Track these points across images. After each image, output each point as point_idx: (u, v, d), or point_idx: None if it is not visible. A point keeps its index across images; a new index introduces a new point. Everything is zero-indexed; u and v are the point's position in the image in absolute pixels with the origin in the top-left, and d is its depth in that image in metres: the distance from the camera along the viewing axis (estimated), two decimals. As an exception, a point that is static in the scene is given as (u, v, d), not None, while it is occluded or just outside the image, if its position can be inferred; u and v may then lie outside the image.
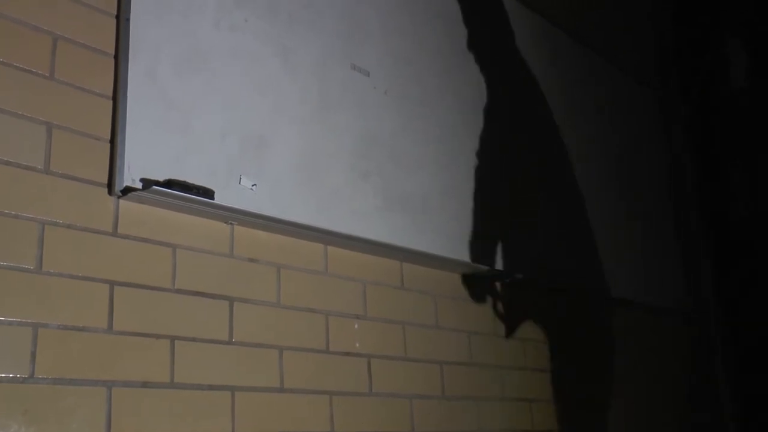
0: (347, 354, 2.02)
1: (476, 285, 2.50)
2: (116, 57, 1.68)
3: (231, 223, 1.83)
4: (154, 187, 1.59)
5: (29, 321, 1.43)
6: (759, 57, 3.94)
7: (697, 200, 4.04)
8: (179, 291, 1.69)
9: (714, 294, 3.91)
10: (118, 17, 1.71)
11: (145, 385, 1.57)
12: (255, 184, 1.82)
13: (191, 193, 1.66)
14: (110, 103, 1.66)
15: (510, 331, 2.59)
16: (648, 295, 3.33)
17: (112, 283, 1.57)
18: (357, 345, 2.05)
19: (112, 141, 1.63)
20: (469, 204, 2.46)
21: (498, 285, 2.60)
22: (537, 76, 3.01)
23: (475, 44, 2.71)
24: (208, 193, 1.70)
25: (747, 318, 3.79)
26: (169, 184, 1.63)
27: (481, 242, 2.45)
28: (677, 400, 3.44)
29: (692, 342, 3.72)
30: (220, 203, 1.72)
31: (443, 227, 2.33)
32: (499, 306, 2.57)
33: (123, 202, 1.63)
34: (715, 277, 3.93)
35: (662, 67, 4.18)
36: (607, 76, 3.56)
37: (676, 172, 3.96)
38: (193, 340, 1.68)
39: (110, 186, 1.61)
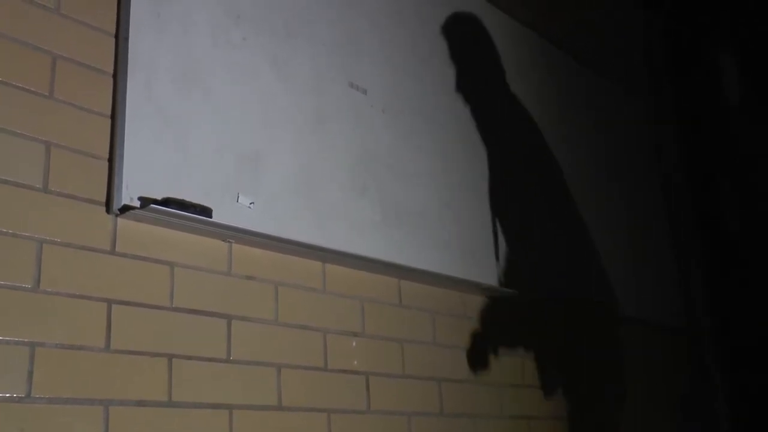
0: (345, 372, 2.02)
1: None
2: (115, 76, 1.69)
3: (229, 241, 1.83)
4: (152, 205, 1.60)
5: (26, 340, 1.43)
6: (751, 68, 3.96)
7: (689, 212, 4.04)
8: (177, 309, 1.69)
9: (707, 306, 3.91)
10: (116, 36, 1.72)
11: (142, 403, 1.57)
12: (253, 202, 1.83)
13: (189, 212, 1.66)
14: (108, 121, 1.66)
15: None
16: (642, 309, 3.33)
17: (110, 302, 1.57)
18: (355, 362, 2.05)
19: (111, 159, 1.64)
20: (467, 220, 2.47)
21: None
22: (531, 91, 3.02)
23: (470, 61, 2.73)
24: (206, 212, 1.70)
25: (740, 330, 3.79)
26: (167, 202, 1.63)
27: (482, 259, 2.46)
28: (672, 413, 3.43)
29: (687, 355, 3.72)
30: (218, 221, 1.72)
31: (441, 243, 2.33)
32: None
33: (121, 221, 1.64)
34: (708, 290, 3.93)
35: (655, 80, 4.20)
36: (600, 89, 3.58)
37: (669, 185, 3.96)
38: (191, 358, 1.68)
39: (108, 204, 1.61)
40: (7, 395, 1.38)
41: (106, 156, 1.64)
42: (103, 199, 1.61)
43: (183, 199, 1.66)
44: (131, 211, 1.60)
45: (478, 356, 2.44)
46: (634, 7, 4.24)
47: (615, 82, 3.70)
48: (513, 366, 2.59)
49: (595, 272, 3.00)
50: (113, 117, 1.66)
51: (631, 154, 3.72)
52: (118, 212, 1.61)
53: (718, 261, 3.93)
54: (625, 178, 3.56)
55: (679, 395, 3.55)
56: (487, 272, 2.48)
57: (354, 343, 2.06)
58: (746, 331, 3.75)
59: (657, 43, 4.29)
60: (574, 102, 3.33)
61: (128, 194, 1.60)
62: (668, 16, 4.31)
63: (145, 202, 1.61)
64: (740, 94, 3.96)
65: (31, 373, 1.42)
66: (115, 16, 1.73)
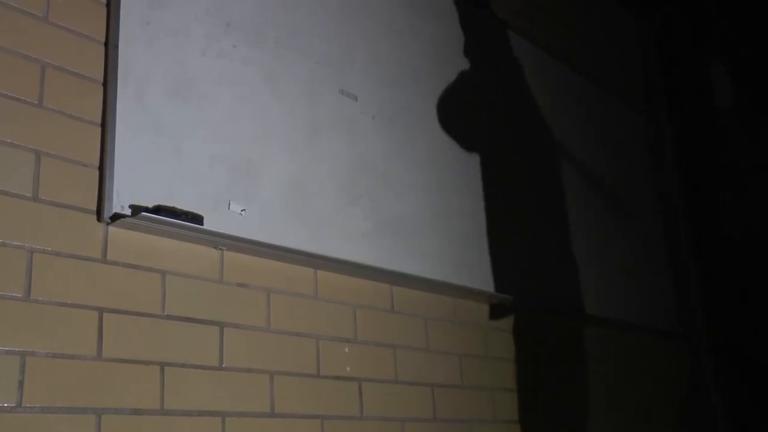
0: (338, 378, 2.01)
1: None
2: (105, 84, 1.69)
3: (220, 249, 1.83)
4: (143, 213, 1.59)
5: (17, 349, 1.42)
6: (744, 77, 3.98)
7: (687, 219, 4.06)
8: (169, 317, 1.68)
9: (704, 314, 3.92)
10: (106, 44, 1.72)
11: (135, 412, 1.56)
12: (244, 209, 1.83)
13: (180, 219, 1.66)
14: (99, 129, 1.66)
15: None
16: (639, 315, 3.34)
17: (101, 310, 1.57)
18: (348, 369, 2.05)
19: (101, 167, 1.63)
20: (459, 227, 2.47)
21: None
22: (527, 100, 3.03)
23: (468, 69, 2.73)
24: (197, 219, 1.70)
25: (737, 337, 3.80)
26: (158, 210, 1.63)
27: (474, 265, 2.46)
28: (670, 419, 3.43)
29: (684, 362, 3.73)
30: (209, 229, 1.72)
31: (433, 250, 2.33)
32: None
33: (112, 229, 1.63)
34: (705, 297, 3.94)
35: (650, 89, 4.22)
36: (595, 98, 3.59)
37: (666, 193, 3.98)
38: (183, 366, 1.67)
39: (99, 212, 1.61)
40: (-2, 405, 1.38)
41: (97, 164, 1.64)
42: (94, 207, 1.61)
43: (174, 207, 1.66)
44: (122, 219, 1.60)
45: None
46: (628, 17, 4.26)
47: (610, 91, 3.72)
48: (506, 370, 2.59)
49: (580, 280, 3.01)
50: (103, 125, 1.66)
51: (628, 162, 3.73)
52: (109, 220, 1.60)
53: (714, 266, 3.94)
54: (622, 186, 3.57)
55: (678, 400, 3.56)
56: (479, 277, 2.48)
57: (347, 350, 2.06)
58: (742, 336, 3.77)
59: (651, 52, 4.31)
60: (570, 110, 3.34)
61: (119, 202, 1.60)
62: (661, 25, 4.33)
63: (136, 209, 1.60)
64: (733, 101, 3.98)
65: (21, 383, 1.41)
66: (105, 24, 1.73)
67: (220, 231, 1.74)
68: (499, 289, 2.53)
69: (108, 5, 1.75)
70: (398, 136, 2.36)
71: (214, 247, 1.82)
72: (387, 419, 2.10)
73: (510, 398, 2.56)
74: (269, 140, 1.96)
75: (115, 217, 1.59)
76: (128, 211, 1.60)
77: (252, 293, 1.88)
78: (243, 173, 1.87)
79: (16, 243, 1.48)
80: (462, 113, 2.66)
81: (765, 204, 3.80)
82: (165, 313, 1.68)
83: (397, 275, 2.20)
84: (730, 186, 3.97)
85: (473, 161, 2.64)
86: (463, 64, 2.75)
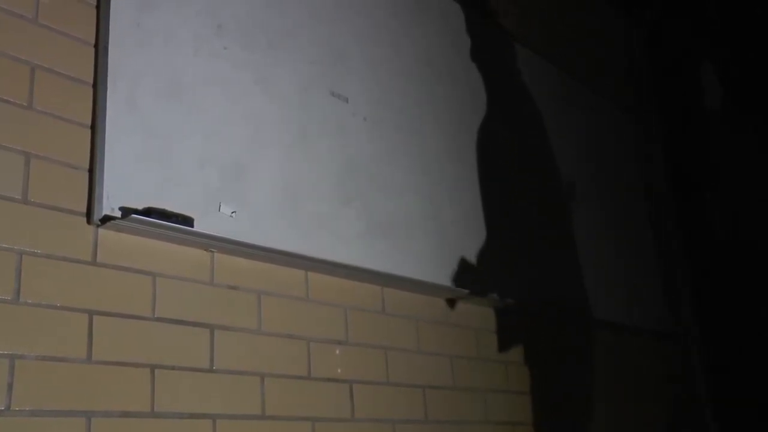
0: (329, 380, 2.01)
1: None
2: (95, 86, 1.69)
3: (211, 251, 1.83)
4: (134, 215, 1.59)
5: (6, 352, 1.42)
6: (732, 79, 4.00)
7: (675, 220, 4.07)
8: (159, 319, 1.68)
9: (694, 315, 3.93)
10: (96, 46, 1.72)
11: (125, 414, 1.56)
12: (235, 211, 1.82)
13: (171, 221, 1.66)
14: (89, 132, 1.65)
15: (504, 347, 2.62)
16: (630, 316, 3.35)
17: (91, 313, 1.56)
18: (339, 371, 2.04)
19: (91, 170, 1.63)
20: (451, 229, 2.47)
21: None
22: (519, 101, 3.04)
23: (461, 71, 2.74)
24: (188, 221, 1.69)
25: (728, 337, 3.82)
26: (149, 212, 1.62)
27: (464, 266, 2.46)
28: (660, 420, 3.44)
29: (674, 362, 3.74)
30: (199, 231, 1.71)
31: (424, 252, 2.33)
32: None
33: (102, 231, 1.63)
34: (695, 298, 3.96)
35: (638, 89, 4.23)
36: (585, 101, 3.60)
37: (655, 194, 3.99)
38: (174, 368, 1.67)
39: (89, 215, 1.60)
40: (-13, 408, 1.37)
41: (87, 166, 1.63)
42: (84, 209, 1.61)
43: (164, 209, 1.66)
44: (112, 222, 1.60)
45: None
46: (618, 17, 4.27)
47: (599, 92, 3.73)
48: (498, 371, 2.60)
49: (572, 281, 3.02)
50: (93, 127, 1.66)
51: (617, 163, 3.74)
52: (99, 223, 1.60)
53: (703, 267, 3.96)
54: (611, 187, 3.58)
55: (670, 400, 3.57)
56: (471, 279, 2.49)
57: (338, 351, 2.06)
58: (734, 336, 3.78)
59: (641, 52, 4.33)
60: (559, 110, 3.35)
61: (109, 204, 1.59)
62: (651, 25, 4.35)
63: (127, 212, 1.60)
64: (722, 102, 4.00)
65: (11, 386, 1.41)
66: (95, 26, 1.73)
67: (210, 233, 1.74)
68: (491, 291, 2.53)
69: (98, 7, 1.74)
70: (390, 137, 2.36)
71: (205, 249, 1.82)
72: (378, 421, 2.10)
73: (501, 400, 2.56)
74: (260, 142, 1.96)
75: (105, 220, 1.59)
76: (118, 213, 1.59)
77: (243, 295, 1.87)
78: (234, 175, 1.87)
79: (5, 245, 1.47)
80: (458, 114, 2.67)
81: (754, 204, 3.82)
82: (155, 316, 1.67)
83: (389, 277, 2.20)
84: (719, 186, 3.99)
85: (466, 162, 2.65)
86: (456, 66, 2.75)
